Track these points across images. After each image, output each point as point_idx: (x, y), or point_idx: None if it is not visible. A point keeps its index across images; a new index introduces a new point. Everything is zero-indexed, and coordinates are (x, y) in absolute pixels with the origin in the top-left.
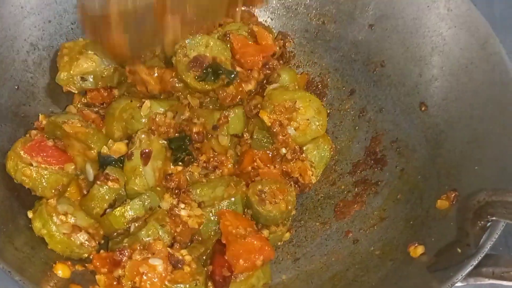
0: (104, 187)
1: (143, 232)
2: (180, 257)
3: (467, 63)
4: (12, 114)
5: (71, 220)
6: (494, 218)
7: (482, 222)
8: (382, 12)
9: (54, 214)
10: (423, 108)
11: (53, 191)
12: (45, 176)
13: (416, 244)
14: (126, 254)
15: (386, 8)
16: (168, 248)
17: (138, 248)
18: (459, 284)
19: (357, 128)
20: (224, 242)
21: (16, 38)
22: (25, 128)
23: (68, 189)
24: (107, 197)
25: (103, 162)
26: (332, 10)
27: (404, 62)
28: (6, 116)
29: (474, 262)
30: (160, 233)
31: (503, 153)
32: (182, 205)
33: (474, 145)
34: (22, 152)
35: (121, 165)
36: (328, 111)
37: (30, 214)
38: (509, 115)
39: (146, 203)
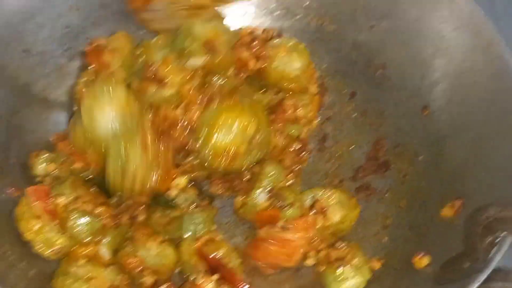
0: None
1: None
2: None
3: (470, 66)
4: (6, 122)
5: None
6: (504, 233)
7: (491, 237)
8: (383, 13)
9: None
10: (425, 112)
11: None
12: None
13: (422, 254)
14: None
15: (387, 9)
16: None
17: None
18: None
19: (358, 132)
20: None
21: (10, 44)
22: (19, 139)
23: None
24: None
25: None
26: (332, 11)
27: (406, 64)
28: None
29: (483, 277)
30: None
31: (509, 160)
32: None
33: (478, 151)
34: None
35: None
36: (329, 115)
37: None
38: None
39: None
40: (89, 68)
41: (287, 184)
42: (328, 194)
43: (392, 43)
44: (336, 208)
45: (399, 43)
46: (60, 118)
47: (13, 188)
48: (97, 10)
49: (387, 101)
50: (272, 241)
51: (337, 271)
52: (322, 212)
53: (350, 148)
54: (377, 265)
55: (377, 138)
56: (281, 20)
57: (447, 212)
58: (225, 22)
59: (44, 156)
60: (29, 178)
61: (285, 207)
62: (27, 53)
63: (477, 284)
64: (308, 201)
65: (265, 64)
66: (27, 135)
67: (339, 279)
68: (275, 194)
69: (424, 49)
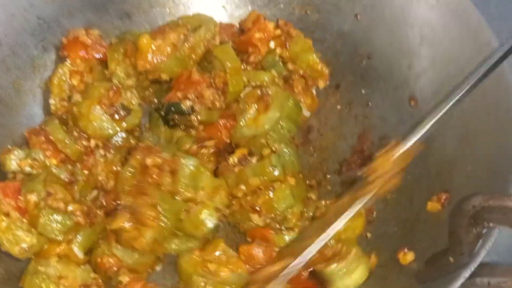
0: None
1: None
2: None
3: (458, 54)
4: None
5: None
6: (490, 224)
7: (477, 229)
8: (369, 1)
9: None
10: (412, 103)
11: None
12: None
13: (406, 250)
14: None
15: None
16: None
17: None
18: None
19: (343, 124)
20: None
21: None
22: None
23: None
24: None
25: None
26: None
27: (392, 54)
28: None
29: (467, 273)
30: None
31: (497, 152)
32: None
33: (465, 143)
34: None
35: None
36: None
37: None
38: (503, 110)
39: None
40: (66, 61)
41: None
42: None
43: (377, 32)
44: None
45: (385, 32)
46: (33, 110)
47: None
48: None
49: (373, 92)
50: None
51: (339, 265)
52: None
53: (335, 141)
54: (373, 260)
55: (362, 131)
56: (264, 9)
57: (433, 206)
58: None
59: (17, 152)
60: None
61: (282, 231)
62: None
63: (461, 280)
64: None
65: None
66: None
67: (343, 272)
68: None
69: (410, 38)
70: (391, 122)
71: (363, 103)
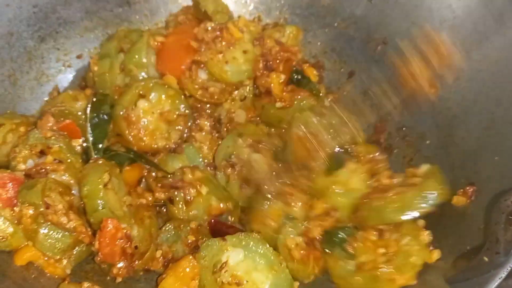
0: None
1: None
2: None
3: (480, 38)
4: None
5: None
6: None
7: None
8: None
9: None
10: (432, 90)
11: None
12: None
13: (431, 248)
14: None
15: None
16: None
17: None
18: None
19: (358, 114)
20: None
21: None
22: None
23: None
24: None
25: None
26: None
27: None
28: None
29: (503, 274)
30: None
31: None
32: None
33: (492, 131)
34: None
35: None
36: None
37: None
38: None
39: None
40: None
41: None
42: None
43: (393, 16)
44: None
45: (401, 15)
46: (30, 105)
47: None
48: None
49: (390, 80)
50: None
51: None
52: None
53: None
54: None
55: (378, 121)
56: None
57: (458, 200)
58: None
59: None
60: None
61: None
62: None
63: (497, 281)
64: None
65: None
66: None
67: None
68: None
69: (428, 21)
70: (409, 112)
71: (379, 91)
